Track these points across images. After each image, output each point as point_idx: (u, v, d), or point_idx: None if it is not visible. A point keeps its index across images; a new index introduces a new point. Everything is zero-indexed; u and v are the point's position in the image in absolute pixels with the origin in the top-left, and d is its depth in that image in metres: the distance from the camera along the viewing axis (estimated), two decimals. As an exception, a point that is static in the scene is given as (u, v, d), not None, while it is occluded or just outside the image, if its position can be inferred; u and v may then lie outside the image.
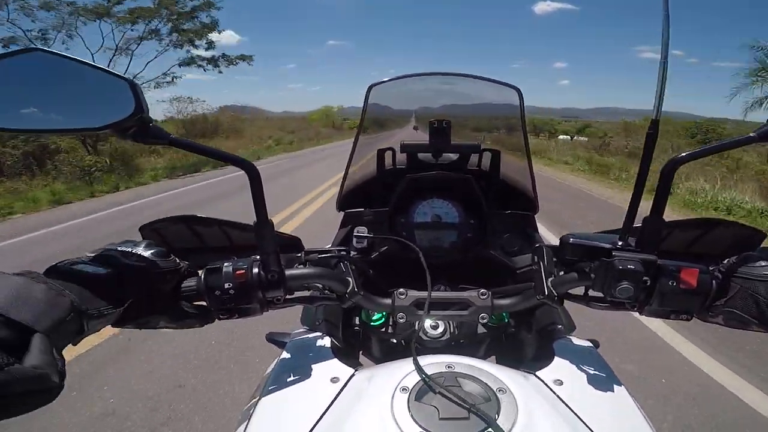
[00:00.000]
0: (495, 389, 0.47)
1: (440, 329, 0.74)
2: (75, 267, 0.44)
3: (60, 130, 0.47)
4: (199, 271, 0.53)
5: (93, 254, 0.48)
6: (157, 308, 0.51)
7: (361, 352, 0.84)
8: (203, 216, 0.67)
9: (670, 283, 0.49)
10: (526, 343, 0.77)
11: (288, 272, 0.54)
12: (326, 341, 0.68)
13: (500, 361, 0.81)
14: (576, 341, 0.69)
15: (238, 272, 0.51)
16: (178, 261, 0.53)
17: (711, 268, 0.52)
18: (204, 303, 0.53)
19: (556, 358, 0.61)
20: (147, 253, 0.50)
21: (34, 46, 0.42)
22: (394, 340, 0.81)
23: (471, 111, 1.16)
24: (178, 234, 0.67)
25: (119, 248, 0.50)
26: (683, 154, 0.48)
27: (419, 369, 0.50)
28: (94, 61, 0.45)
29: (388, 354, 0.81)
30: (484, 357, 0.82)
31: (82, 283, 0.42)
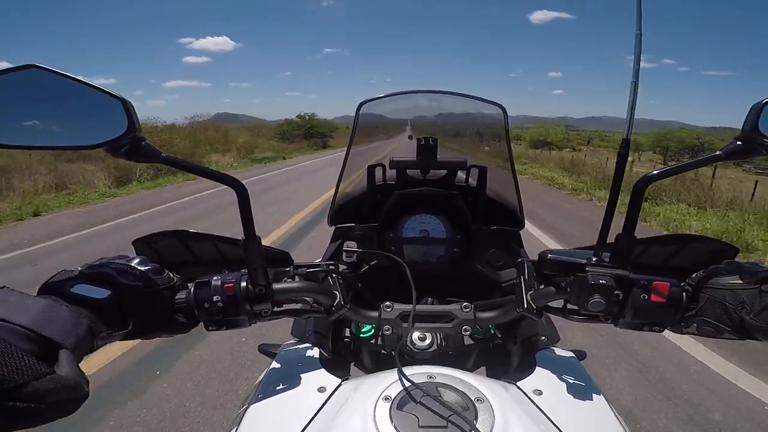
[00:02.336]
0: (473, 399, 0.49)
1: (427, 341, 0.75)
2: (75, 290, 0.45)
3: (55, 147, 0.47)
4: (189, 284, 0.54)
5: (87, 270, 0.48)
6: (155, 324, 0.52)
7: (353, 363, 0.85)
8: (194, 231, 0.68)
9: (641, 297, 0.51)
10: (513, 354, 0.79)
11: (275, 286, 0.55)
12: (315, 352, 0.70)
13: (489, 373, 0.82)
14: (558, 352, 0.71)
15: (226, 286, 0.52)
16: (171, 276, 0.54)
17: (682, 284, 0.54)
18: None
19: (537, 368, 0.62)
20: (142, 270, 0.51)
21: (31, 63, 0.44)
22: (384, 351, 0.82)
23: (460, 128, 1.19)
24: (171, 248, 0.68)
25: (114, 265, 0.50)
26: (654, 173, 0.50)
27: (403, 379, 0.51)
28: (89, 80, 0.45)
29: (379, 365, 0.81)
30: (473, 368, 0.83)
31: (87, 306, 0.44)
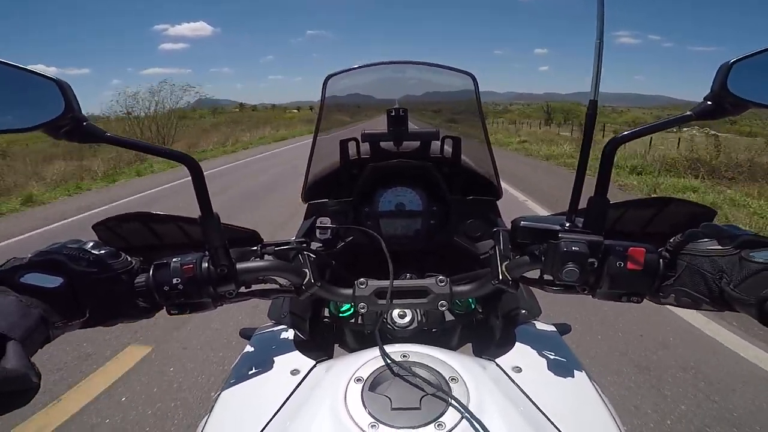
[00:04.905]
0: (447, 378, 0.47)
1: (407, 318, 0.73)
2: (25, 279, 0.44)
3: None
4: (150, 268, 0.52)
5: (38, 257, 0.47)
6: (114, 310, 0.51)
7: (337, 344, 0.84)
8: (157, 213, 0.66)
9: (617, 264, 0.49)
10: (495, 329, 0.78)
11: (239, 266, 0.53)
12: (290, 334, 0.68)
13: (475, 350, 0.82)
14: (539, 326, 0.70)
15: (185, 267, 0.50)
16: (129, 259, 0.53)
17: (660, 249, 0.52)
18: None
19: (517, 344, 0.61)
20: (96, 254, 0.49)
21: None
22: (368, 331, 0.81)
23: (434, 99, 1.16)
24: (134, 231, 0.66)
25: (66, 251, 0.48)
26: (624, 133, 0.48)
27: (375, 359, 0.50)
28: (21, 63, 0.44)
29: (361, 344, 0.81)
30: (458, 346, 0.83)
31: (39, 296, 0.43)
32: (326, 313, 0.82)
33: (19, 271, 0.44)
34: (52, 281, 0.45)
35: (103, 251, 0.50)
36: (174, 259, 0.51)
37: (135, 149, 0.48)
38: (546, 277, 0.54)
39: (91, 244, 0.51)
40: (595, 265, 0.49)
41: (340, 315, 0.79)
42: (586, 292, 0.53)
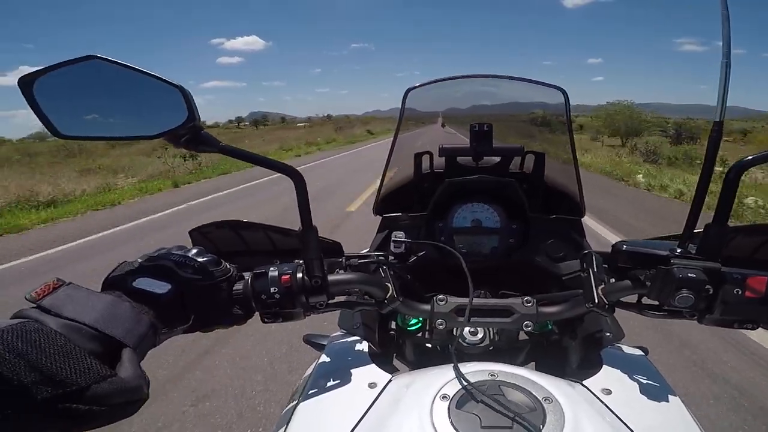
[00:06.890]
0: (540, 398, 0.46)
1: (479, 335, 0.73)
2: (137, 284, 0.45)
3: (118, 137, 0.48)
4: (245, 275, 0.54)
5: (148, 262, 0.48)
6: (214, 316, 0.52)
7: (395, 355, 0.84)
8: (248, 221, 0.68)
9: (735, 292, 0.47)
10: (570, 350, 0.75)
11: (330, 278, 0.54)
12: (364, 345, 0.69)
13: (540, 368, 0.79)
14: (626, 349, 0.68)
15: (283, 277, 0.52)
16: (228, 267, 0.53)
17: None
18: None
19: (604, 366, 0.59)
20: (200, 261, 0.50)
21: (92, 54, 0.44)
22: (429, 345, 0.80)
23: (513, 113, 1.13)
24: (225, 238, 0.68)
25: (173, 257, 0.49)
26: (748, 158, 0.45)
27: (461, 376, 0.50)
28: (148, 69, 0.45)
29: (423, 358, 0.81)
30: (523, 363, 0.81)
31: (149, 302, 0.44)
32: (392, 325, 0.82)
33: (131, 275, 0.45)
34: (161, 287, 0.45)
35: (206, 258, 0.51)
36: (272, 269, 0.52)
37: (245, 160, 0.50)
38: (646, 301, 0.53)
39: (195, 251, 0.52)
40: (710, 292, 0.48)
41: (408, 329, 0.79)
42: (694, 317, 0.52)
